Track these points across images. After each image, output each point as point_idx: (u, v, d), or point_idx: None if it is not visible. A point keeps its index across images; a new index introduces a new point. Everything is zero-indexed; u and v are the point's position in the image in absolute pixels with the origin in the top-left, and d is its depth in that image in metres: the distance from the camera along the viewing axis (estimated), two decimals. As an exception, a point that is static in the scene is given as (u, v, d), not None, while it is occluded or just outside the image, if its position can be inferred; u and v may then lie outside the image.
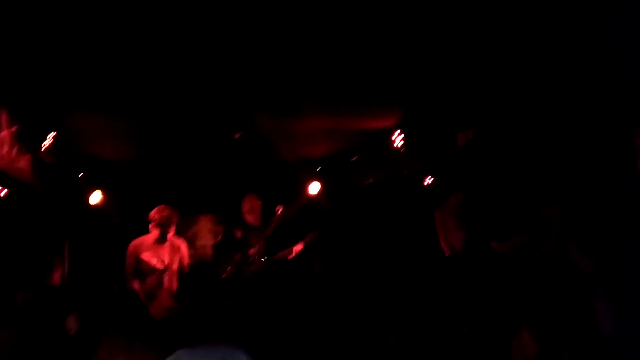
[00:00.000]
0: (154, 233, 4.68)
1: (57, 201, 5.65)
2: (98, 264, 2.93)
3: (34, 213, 5.25)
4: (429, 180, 6.09)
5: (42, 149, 4.72)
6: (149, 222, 4.70)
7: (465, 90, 4.45)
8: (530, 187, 4.50)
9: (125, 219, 5.20)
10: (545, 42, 3.52)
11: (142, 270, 4.57)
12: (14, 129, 4.25)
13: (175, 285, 4.73)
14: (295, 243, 5.68)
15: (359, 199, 6.75)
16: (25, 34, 3.25)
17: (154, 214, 4.67)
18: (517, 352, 3.39)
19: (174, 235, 4.80)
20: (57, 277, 5.06)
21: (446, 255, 5.27)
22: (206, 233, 7.14)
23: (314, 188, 6.64)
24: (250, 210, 5.47)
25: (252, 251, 5.28)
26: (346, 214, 6.84)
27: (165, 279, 4.67)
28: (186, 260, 4.85)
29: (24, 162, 4.57)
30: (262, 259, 5.18)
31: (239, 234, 5.42)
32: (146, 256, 4.64)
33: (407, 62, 4.06)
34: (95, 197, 5.75)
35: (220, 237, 5.83)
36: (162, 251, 4.71)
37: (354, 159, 6.75)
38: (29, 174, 4.77)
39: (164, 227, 4.63)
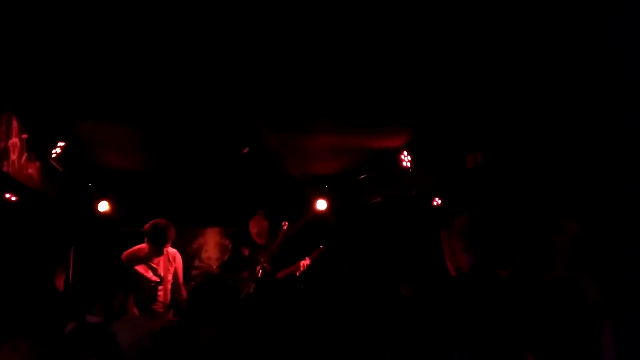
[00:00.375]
0: (149, 247, 4.62)
1: (65, 209, 5.68)
2: (103, 272, 2.92)
3: (42, 220, 5.28)
4: (437, 201, 6.04)
5: (52, 157, 4.76)
6: (143, 234, 4.63)
7: (475, 112, 4.43)
8: (540, 210, 4.44)
9: (134, 228, 5.19)
10: (553, 67, 3.49)
11: (136, 282, 4.53)
12: (24, 136, 4.29)
13: (169, 297, 4.69)
14: (302, 258, 5.64)
15: (366, 217, 6.72)
16: (38, 41, 3.29)
17: (151, 229, 4.60)
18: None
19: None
20: (60, 283, 5.08)
21: (452, 276, 5.21)
22: (213, 246, 7.15)
23: (321, 205, 6.63)
24: (259, 233, 5.49)
25: (258, 268, 5.26)
26: (353, 231, 6.80)
27: (160, 292, 4.61)
28: (180, 272, 4.81)
29: (33, 170, 4.61)
30: (258, 275, 5.14)
31: (246, 251, 5.42)
32: (140, 269, 4.59)
33: (417, 83, 4.05)
34: (103, 206, 5.79)
35: (227, 254, 5.83)
36: (156, 263, 4.66)
37: (362, 177, 6.74)
38: (38, 181, 4.81)
39: (160, 245, 4.57)
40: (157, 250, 4.61)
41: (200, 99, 4.25)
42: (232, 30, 3.31)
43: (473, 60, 3.64)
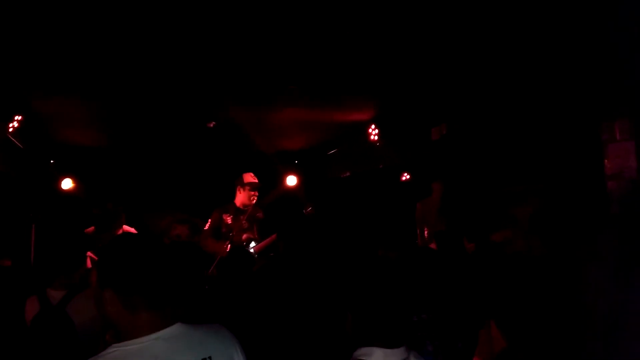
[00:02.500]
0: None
1: (25, 185, 5.55)
2: (64, 246, 2.87)
3: (2, 197, 5.15)
4: (406, 176, 6.12)
5: (9, 132, 4.62)
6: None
7: (439, 84, 4.46)
8: (506, 183, 4.55)
9: (102, 207, 5.09)
10: (516, 40, 3.53)
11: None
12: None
13: None
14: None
15: (335, 192, 6.75)
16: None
17: (99, 215, 4.64)
18: (483, 343, 3.42)
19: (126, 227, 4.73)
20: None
21: (420, 245, 5.33)
22: (181, 223, 7.06)
23: (291, 180, 6.63)
24: (254, 187, 5.31)
25: (245, 236, 5.20)
26: (323, 206, 6.84)
27: None
28: None
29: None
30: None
31: (228, 219, 5.32)
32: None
33: (382, 57, 4.05)
34: (67, 183, 5.67)
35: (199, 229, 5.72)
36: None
37: (331, 152, 6.76)
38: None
39: (109, 228, 4.56)
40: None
41: (164, 71, 4.17)
42: (196, 5, 3.24)
43: (437, 34, 3.65)
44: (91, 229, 4.74)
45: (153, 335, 1.32)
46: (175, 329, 1.36)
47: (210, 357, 1.36)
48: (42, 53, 3.74)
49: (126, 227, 4.78)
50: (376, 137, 5.58)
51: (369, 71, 4.32)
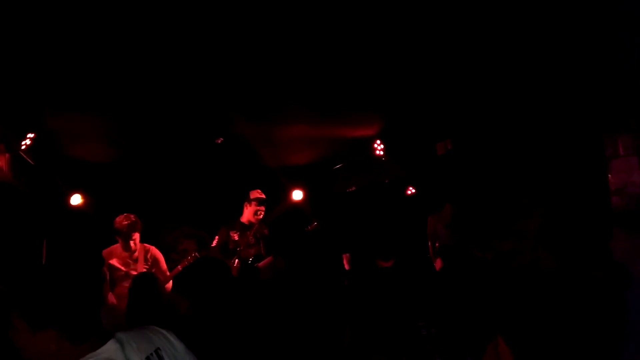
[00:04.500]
0: (119, 241, 4.68)
1: (36, 201, 5.61)
2: (79, 263, 2.89)
3: (12, 213, 5.21)
4: (411, 190, 6.16)
5: (22, 149, 4.69)
6: (113, 231, 4.67)
7: (444, 100, 4.52)
8: (511, 196, 4.57)
9: (106, 221, 5.14)
10: (519, 55, 3.59)
11: (114, 277, 4.57)
12: (-8, 128, 4.23)
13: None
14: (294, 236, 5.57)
15: (341, 206, 6.79)
16: (4, 33, 3.25)
17: (116, 223, 4.64)
18: (490, 358, 3.42)
19: (139, 242, 4.75)
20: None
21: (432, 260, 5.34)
22: (188, 237, 7.11)
23: (297, 195, 6.67)
24: (261, 202, 5.35)
25: (252, 252, 5.23)
26: (329, 220, 6.87)
27: None
28: (162, 263, 4.81)
29: (2, 162, 4.54)
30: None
31: (235, 236, 5.36)
32: (116, 262, 4.64)
33: (388, 73, 4.11)
34: (76, 199, 5.73)
35: (206, 245, 5.75)
36: (132, 258, 4.69)
37: (336, 167, 6.80)
38: (8, 173, 4.74)
39: (126, 236, 4.59)
40: (124, 243, 4.63)
41: (172, 87, 4.24)
42: (206, 18, 3.32)
43: (442, 49, 3.71)
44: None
45: (109, 343, 1.40)
46: (119, 337, 1.44)
47: (159, 348, 1.49)
48: (55, 70, 3.82)
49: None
50: (381, 152, 5.63)
51: (374, 87, 4.38)
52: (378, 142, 5.65)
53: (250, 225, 5.35)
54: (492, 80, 3.98)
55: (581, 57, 3.35)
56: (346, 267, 5.13)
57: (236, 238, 5.30)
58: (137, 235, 4.65)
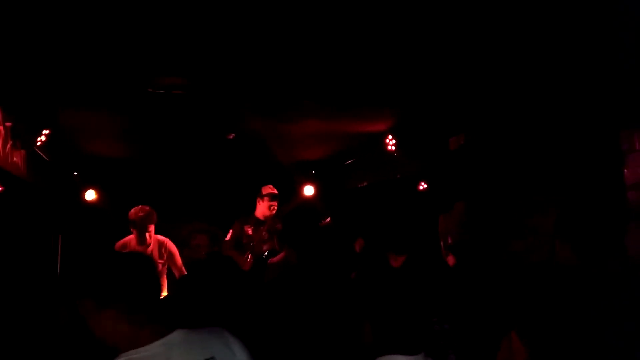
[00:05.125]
0: (134, 234, 4.67)
1: (51, 197, 5.68)
2: (94, 258, 2.92)
3: (28, 208, 5.28)
4: (423, 185, 6.13)
5: (37, 145, 4.75)
6: (129, 222, 4.66)
7: (457, 95, 4.48)
8: (525, 192, 4.53)
9: (121, 217, 5.18)
10: (533, 48, 3.55)
11: None
12: (8, 124, 4.28)
13: (164, 284, 4.72)
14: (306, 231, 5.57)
15: (353, 202, 6.78)
16: (21, 30, 3.28)
17: (131, 214, 4.63)
18: (504, 355, 3.40)
19: (154, 234, 4.74)
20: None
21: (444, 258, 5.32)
22: (200, 233, 7.13)
23: (309, 190, 6.69)
24: (274, 197, 5.36)
25: (266, 247, 5.25)
26: (341, 216, 6.87)
27: None
28: (177, 257, 4.82)
29: (18, 158, 4.60)
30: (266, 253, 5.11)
31: (249, 230, 5.38)
32: None
33: (399, 67, 4.09)
34: (90, 195, 5.80)
35: (218, 240, 5.76)
36: (149, 252, 4.66)
37: (348, 162, 6.80)
38: (24, 169, 4.80)
39: (141, 228, 4.59)
40: (139, 235, 4.64)
41: (185, 84, 4.26)
42: (216, 15, 3.32)
43: (455, 44, 3.69)
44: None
45: (158, 342, 1.38)
46: (176, 335, 1.41)
47: (213, 357, 1.42)
48: (69, 67, 3.86)
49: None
50: (393, 147, 5.61)
51: (386, 82, 4.37)
52: (390, 137, 5.63)
53: (265, 220, 5.37)
54: (506, 74, 3.95)
55: (597, 51, 3.31)
56: (357, 250, 5.13)
57: (250, 233, 5.33)
58: (152, 228, 4.65)
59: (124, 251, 4.58)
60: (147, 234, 4.63)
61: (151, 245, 4.71)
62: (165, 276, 4.80)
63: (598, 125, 3.58)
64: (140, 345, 1.37)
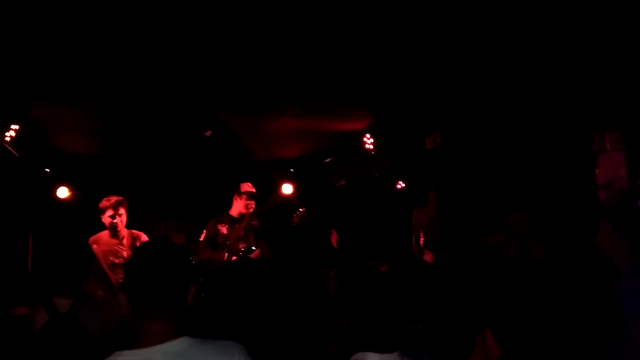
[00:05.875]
0: (107, 225, 4.55)
1: (22, 194, 5.55)
2: (63, 257, 2.86)
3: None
4: (400, 184, 6.18)
5: (6, 141, 4.63)
6: (99, 214, 4.55)
7: (433, 94, 4.52)
8: (499, 190, 4.60)
9: (94, 214, 5.08)
10: (508, 49, 3.60)
11: (98, 266, 4.48)
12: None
13: None
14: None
15: (331, 200, 6.78)
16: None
17: (100, 204, 4.52)
18: (477, 351, 3.44)
19: (128, 229, 4.65)
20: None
21: (416, 253, 5.38)
22: (177, 231, 7.05)
23: (287, 189, 6.66)
24: (252, 196, 5.30)
25: (242, 245, 5.19)
26: (319, 214, 6.87)
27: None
28: None
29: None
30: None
31: (224, 229, 5.32)
32: (103, 251, 4.50)
33: (377, 67, 4.11)
34: (63, 192, 5.67)
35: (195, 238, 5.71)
36: (120, 245, 4.59)
37: (326, 160, 6.80)
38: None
39: (112, 215, 4.48)
40: (112, 226, 4.52)
41: (160, 79, 4.20)
42: (195, 11, 3.28)
43: (431, 44, 3.71)
44: None
45: (155, 347, 1.31)
46: (178, 343, 1.33)
47: None
48: (40, 61, 3.77)
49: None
50: (371, 146, 5.63)
51: (364, 81, 4.38)
52: (368, 136, 5.65)
53: (241, 218, 5.32)
54: (482, 74, 3.99)
55: (570, 52, 3.36)
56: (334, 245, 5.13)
57: (225, 232, 5.27)
58: (124, 215, 4.55)
59: (95, 246, 4.51)
60: (119, 222, 4.51)
61: (124, 240, 4.62)
62: None
63: (570, 126, 3.66)
64: (142, 342, 1.32)
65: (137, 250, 1.49)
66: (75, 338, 2.55)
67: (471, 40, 3.60)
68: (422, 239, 5.51)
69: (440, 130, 5.06)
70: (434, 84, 4.32)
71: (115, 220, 4.47)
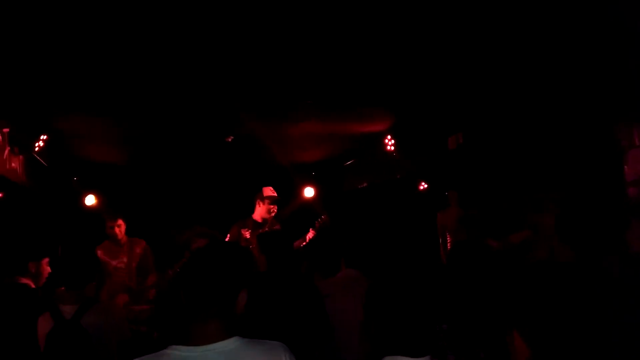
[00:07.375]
0: (109, 234, 4.97)
1: (50, 203, 5.67)
2: (74, 262, 2.90)
3: (27, 215, 5.27)
4: (423, 185, 6.13)
5: (35, 151, 4.75)
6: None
7: (455, 94, 4.48)
8: (523, 191, 4.53)
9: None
10: (530, 47, 3.55)
11: (106, 270, 4.71)
12: (5, 130, 4.28)
13: (134, 282, 4.91)
14: (305, 232, 5.57)
15: (353, 203, 6.77)
16: (17, 36, 3.28)
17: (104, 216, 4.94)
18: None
19: (125, 236, 5.01)
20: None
21: (444, 254, 5.33)
22: (201, 236, 7.11)
23: (309, 192, 6.66)
24: (274, 201, 5.36)
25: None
26: (340, 217, 6.85)
27: (126, 277, 4.90)
28: (149, 258, 5.01)
29: (16, 164, 4.60)
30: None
31: (247, 234, 5.36)
32: (105, 257, 4.87)
33: (398, 68, 4.09)
34: (90, 200, 5.79)
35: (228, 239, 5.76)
36: (120, 251, 4.95)
37: (347, 163, 6.79)
38: (22, 175, 4.80)
39: (112, 227, 4.88)
40: (112, 239, 4.88)
41: (183, 88, 4.26)
42: (215, 18, 3.32)
43: (453, 44, 3.68)
44: None
45: (210, 346, 1.37)
46: (230, 343, 1.39)
47: None
48: (65, 73, 3.85)
49: None
50: (392, 148, 5.60)
51: (384, 82, 4.36)
52: (389, 137, 5.62)
53: (264, 222, 5.35)
54: (504, 72, 3.94)
55: (596, 47, 3.30)
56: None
57: (248, 236, 5.31)
58: (122, 226, 4.90)
59: (100, 252, 4.90)
60: (117, 230, 4.87)
61: (124, 246, 4.93)
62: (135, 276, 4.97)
63: (596, 121, 3.58)
64: (194, 341, 1.37)
65: (196, 254, 1.53)
66: (79, 344, 2.58)
67: (493, 38, 3.56)
68: (448, 240, 5.47)
69: (462, 130, 5.00)
70: (455, 83, 4.28)
71: (115, 231, 4.92)
